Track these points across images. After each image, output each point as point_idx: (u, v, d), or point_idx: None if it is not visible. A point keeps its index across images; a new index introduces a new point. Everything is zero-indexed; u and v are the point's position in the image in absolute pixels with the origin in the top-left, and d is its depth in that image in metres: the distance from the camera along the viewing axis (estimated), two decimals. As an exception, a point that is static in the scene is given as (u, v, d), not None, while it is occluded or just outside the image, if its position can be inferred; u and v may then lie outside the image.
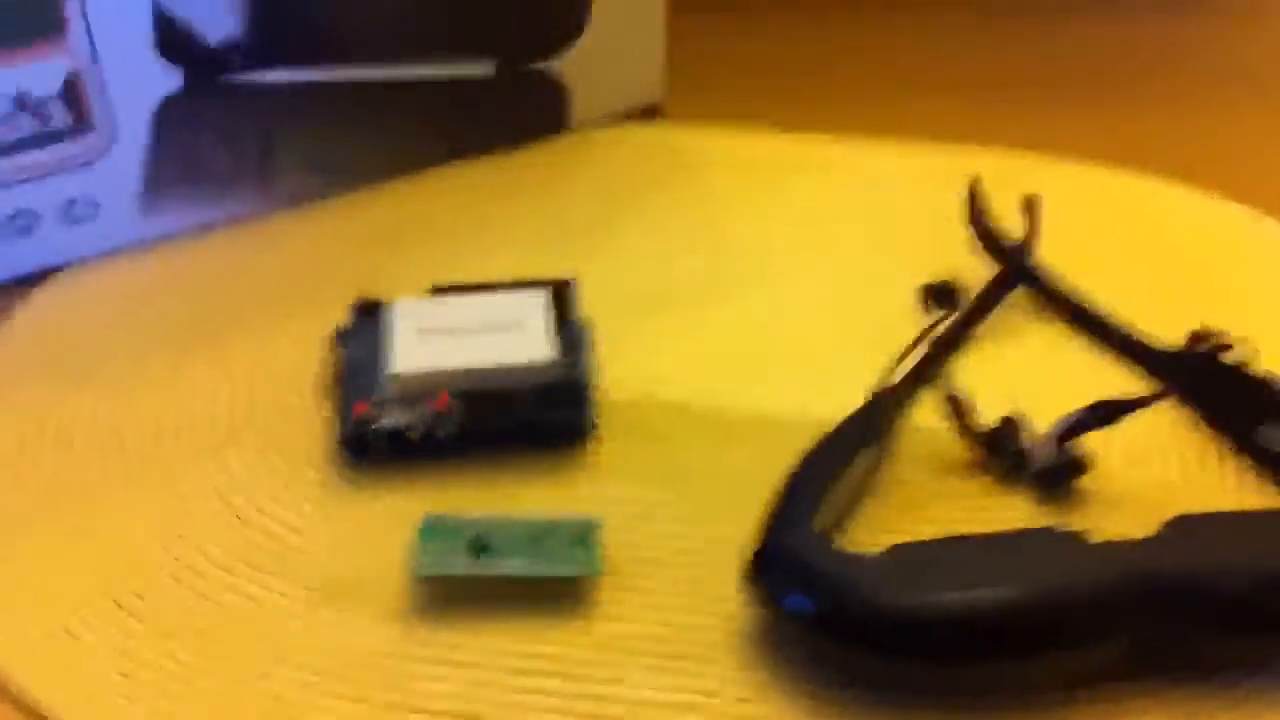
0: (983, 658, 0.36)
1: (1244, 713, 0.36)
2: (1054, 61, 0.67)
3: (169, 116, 0.53)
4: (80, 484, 0.44)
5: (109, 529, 0.43)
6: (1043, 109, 0.63)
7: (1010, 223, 0.51)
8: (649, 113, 0.62)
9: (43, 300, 0.53)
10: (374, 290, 0.49)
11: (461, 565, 0.39)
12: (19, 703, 0.38)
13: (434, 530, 0.40)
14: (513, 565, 0.39)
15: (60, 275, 0.54)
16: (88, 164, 0.52)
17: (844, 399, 0.45)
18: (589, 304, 0.49)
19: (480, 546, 0.39)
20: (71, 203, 0.53)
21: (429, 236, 0.55)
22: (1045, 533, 0.37)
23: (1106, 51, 0.68)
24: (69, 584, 0.41)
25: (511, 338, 0.45)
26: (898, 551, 0.37)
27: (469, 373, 0.44)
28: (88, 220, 0.53)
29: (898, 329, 0.49)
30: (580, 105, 0.61)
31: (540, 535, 0.40)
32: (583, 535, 0.40)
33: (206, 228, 0.56)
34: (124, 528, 0.43)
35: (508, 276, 0.52)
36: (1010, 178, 0.57)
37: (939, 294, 0.45)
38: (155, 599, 0.40)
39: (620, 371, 0.48)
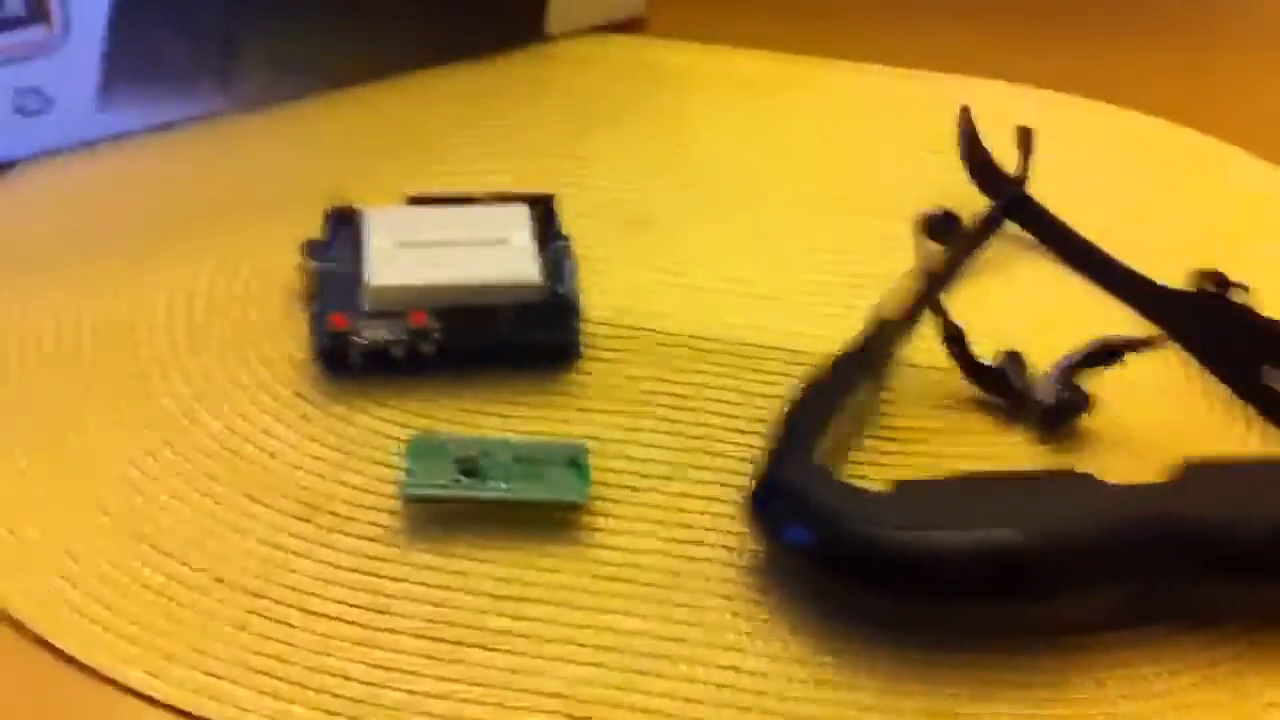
0: (987, 598, 0.35)
1: (1248, 661, 0.36)
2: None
3: (128, 8, 0.50)
4: (39, 395, 0.42)
5: (69, 440, 0.41)
6: (1037, 40, 0.62)
7: (1000, 154, 0.50)
8: (629, 26, 0.60)
9: (-9, 196, 0.50)
10: (343, 198, 0.46)
11: (450, 487, 0.38)
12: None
13: (422, 450, 0.39)
14: (502, 489, 0.38)
15: (11, 172, 0.51)
16: (41, 55, 0.49)
17: (828, 327, 0.44)
18: (564, 220, 0.47)
19: (469, 468, 0.38)
20: (23, 94, 0.50)
21: (401, 144, 0.53)
22: (1057, 474, 0.37)
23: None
24: (29, 495, 0.39)
25: (495, 253, 0.44)
26: (904, 487, 0.36)
27: (453, 288, 0.42)
28: (40, 114, 0.51)
29: (883, 258, 0.48)
30: (558, 14, 0.58)
31: (530, 458, 0.38)
32: (573, 459, 0.39)
33: (166, 127, 0.53)
34: (85, 440, 0.41)
35: (482, 189, 0.50)
36: (1001, 109, 0.56)
37: (938, 224, 0.44)
38: (120, 514, 0.38)
39: (598, 292, 0.46)
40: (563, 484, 0.38)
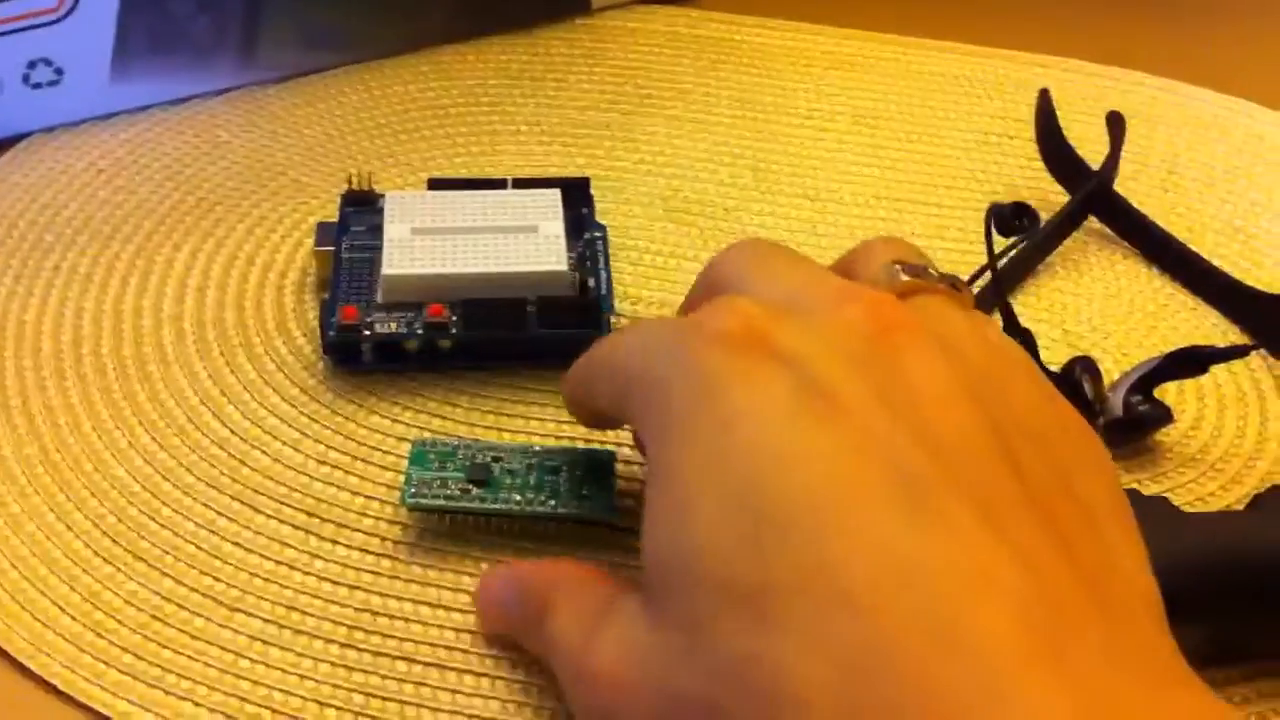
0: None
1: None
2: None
3: (144, -27, 0.47)
4: (32, 388, 0.39)
5: (60, 443, 0.38)
6: (1119, 19, 0.57)
7: (1080, 142, 0.46)
8: (678, -1, 0.57)
9: (2, 172, 0.47)
10: (366, 178, 0.43)
11: (456, 498, 0.34)
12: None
13: (426, 456, 0.35)
14: (515, 501, 0.34)
15: (21, 145, 0.48)
16: (51, 24, 0.47)
17: None
18: (601, 206, 0.44)
19: (479, 477, 0.35)
20: (33, 65, 0.47)
21: (430, 122, 0.50)
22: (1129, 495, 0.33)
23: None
24: (18, 506, 0.36)
25: (522, 242, 0.40)
26: None
27: (474, 279, 0.39)
28: (51, 86, 0.48)
29: (948, 254, 0.45)
30: (603, -15, 0.55)
31: (548, 468, 0.35)
32: (596, 470, 0.35)
33: (183, 100, 0.50)
34: (84, 438, 0.38)
35: (514, 171, 0.47)
36: (1081, 92, 0.52)
37: (1010, 217, 0.40)
38: (110, 525, 0.36)
39: (634, 286, 0.43)
40: (584, 499, 0.35)
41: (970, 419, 0.25)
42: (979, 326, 0.29)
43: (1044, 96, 0.46)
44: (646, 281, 0.43)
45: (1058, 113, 0.46)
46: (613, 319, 0.40)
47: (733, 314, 0.27)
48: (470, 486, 0.34)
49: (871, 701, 0.22)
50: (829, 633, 0.23)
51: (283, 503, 0.36)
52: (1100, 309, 0.43)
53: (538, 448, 0.36)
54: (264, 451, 0.38)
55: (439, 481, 0.35)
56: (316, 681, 0.32)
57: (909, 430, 0.25)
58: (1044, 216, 0.42)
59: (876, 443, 0.25)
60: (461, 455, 0.35)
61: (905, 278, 0.29)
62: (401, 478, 0.36)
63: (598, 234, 0.42)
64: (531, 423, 0.38)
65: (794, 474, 0.24)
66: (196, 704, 0.32)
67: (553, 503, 0.34)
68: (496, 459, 0.35)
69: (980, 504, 0.24)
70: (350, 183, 0.43)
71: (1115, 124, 0.45)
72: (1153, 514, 0.32)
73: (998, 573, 0.23)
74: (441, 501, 0.34)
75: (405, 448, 0.37)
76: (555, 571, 0.31)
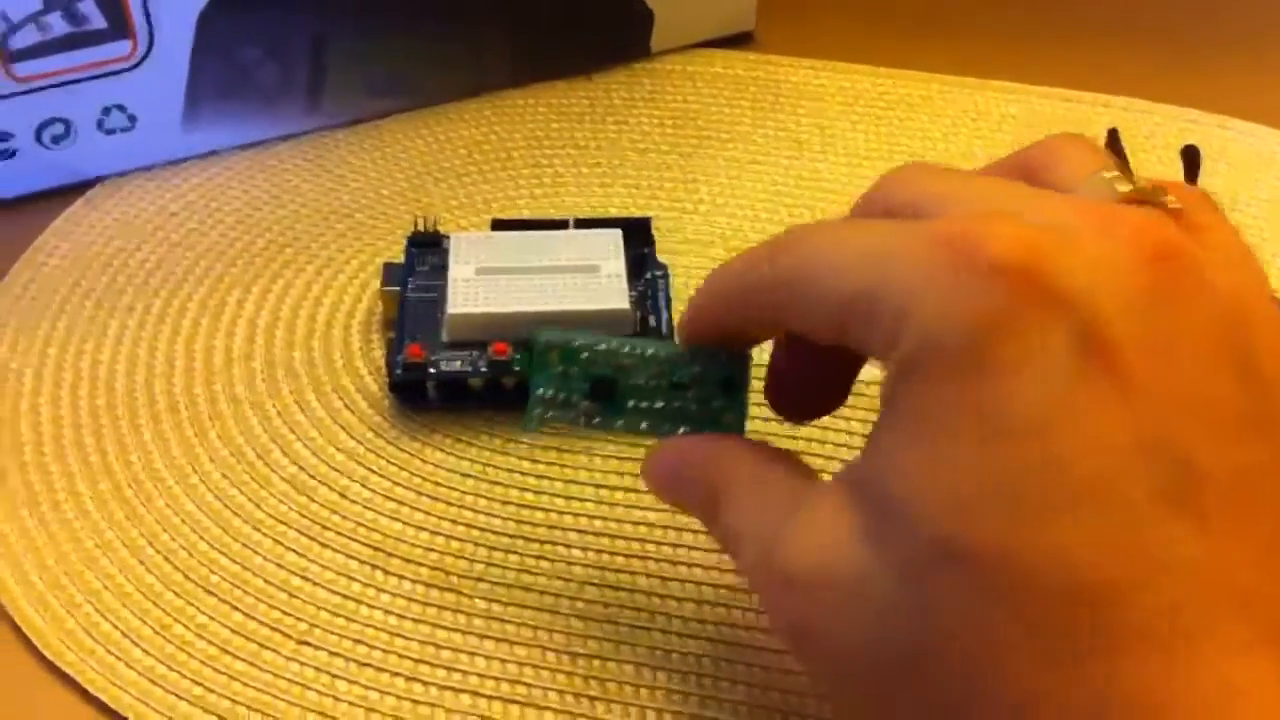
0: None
1: None
2: (1195, 11, 0.61)
3: (214, 22, 0.48)
4: (106, 426, 0.40)
5: (133, 479, 0.39)
6: (1179, 62, 0.57)
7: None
8: (739, 41, 0.57)
9: (75, 216, 0.48)
10: (432, 220, 0.44)
11: (579, 422, 0.32)
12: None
13: (548, 367, 0.32)
14: (641, 429, 0.32)
15: (95, 190, 0.49)
16: (124, 71, 0.48)
17: None
18: (663, 245, 0.44)
19: (603, 393, 0.32)
20: (107, 112, 0.48)
21: (493, 165, 0.50)
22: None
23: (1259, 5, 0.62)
24: (92, 540, 0.37)
25: (584, 281, 0.41)
26: None
27: (537, 317, 0.40)
28: (124, 132, 0.49)
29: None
30: (664, 30, 0.55)
31: (677, 384, 0.32)
32: (728, 382, 0.32)
33: (252, 145, 0.51)
34: (155, 474, 0.39)
35: (576, 212, 0.47)
36: (1140, 130, 0.52)
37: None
38: (182, 560, 0.36)
39: (698, 324, 0.43)
40: (715, 413, 0.31)
41: (1232, 389, 0.24)
42: (1232, 253, 0.26)
43: (1113, 136, 0.46)
44: (707, 320, 0.43)
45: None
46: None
47: (1006, 239, 0.24)
48: (594, 410, 0.32)
49: (1091, 701, 0.22)
50: (1057, 623, 0.22)
51: (350, 538, 0.37)
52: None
53: (663, 354, 0.32)
54: (331, 487, 0.38)
55: (564, 396, 0.32)
56: (382, 714, 0.33)
57: (1183, 404, 0.23)
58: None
59: (1151, 417, 0.23)
60: (585, 358, 0.32)
61: (1122, 189, 0.26)
62: (463, 512, 0.36)
63: (659, 273, 0.43)
64: (595, 459, 0.39)
65: (1060, 444, 0.23)
66: (265, 735, 0.32)
67: (683, 428, 0.32)
68: (620, 369, 0.32)
69: (1236, 500, 0.23)
70: (416, 224, 0.44)
71: (1190, 157, 0.45)
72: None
73: (1238, 577, 0.23)
74: (565, 423, 0.32)
75: (469, 483, 0.38)
76: (726, 457, 0.29)
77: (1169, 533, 0.23)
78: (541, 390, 0.32)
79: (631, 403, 0.32)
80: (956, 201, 0.26)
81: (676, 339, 0.32)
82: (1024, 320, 0.23)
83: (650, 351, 0.32)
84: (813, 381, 0.31)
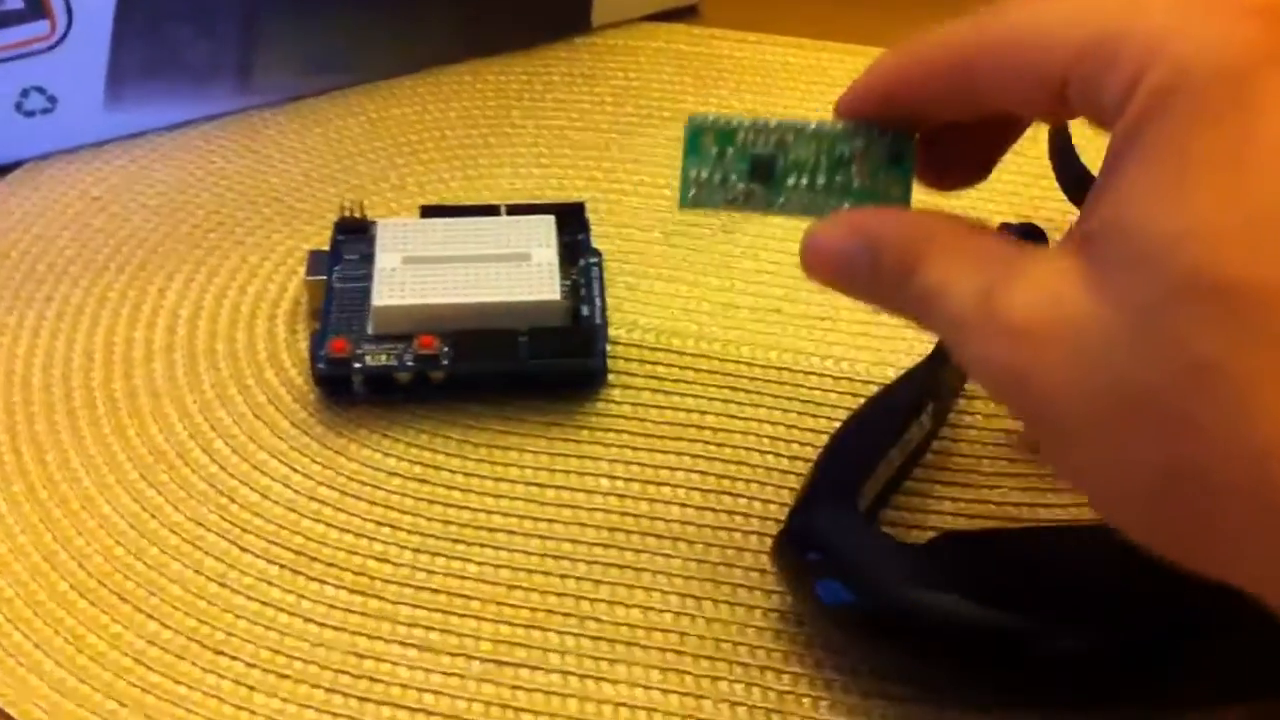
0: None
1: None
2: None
3: (136, 1, 0.47)
4: (21, 424, 0.39)
5: (48, 480, 0.37)
6: None
7: (1095, 163, 0.45)
8: (682, 15, 0.56)
9: (-8, 202, 0.47)
10: (359, 206, 0.43)
11: (737, 201, 0.30)
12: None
13: (702, 142, 0.30)
14: (801, 204, 0.30)
15: (14, 174, 0.48)
16: (43, 52, 0.46)
17: (885, 353, 0.40)
18: (600, 230, 0.43)
19: (763, 174, 0.30)
20: (26, 93, 0.47)
21: (426, 145, 0.49)
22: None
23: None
24: (4, 545, 0.36)
25: (514, 270, 0.40)
26: (940, 542, 0.33)
27: (465, 309, 0.39)
28: (44, 114, 0.47)
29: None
30: (606, 3, 0.54)
31: (838, 157, 0.30)
32: (894, 157, 0.30)
33: (179, 126, 0.50)
34: (71, 475, 0.37)
35: (512, 194, 0.46)
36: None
37: (1019, 238, 0.39)
38: (97, 566, 0.35)
39: (630, 312, 0.42)
40: (877, 187, 0.30)
41: None
42: None
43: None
44: (644, 307, 0.42)
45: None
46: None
47: None
48: (753, 187, 0.30)
49: None
50: None
51: (271, 541, 0.36)
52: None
53: (825, 129, 0.30)
54: (252, 487, 0.37)
55: (719, 177, 0.31)
56: (300, 728, 0.32)
57: None
58: (1053, 238, 0.41)
59: None
60: (742, 139, 0.30)
61: None
62: (389, 513, 0.35)
63: (593, 260, 0.42)
64: (525, 455, 0.38)
65: None
66: (178, 752, 0.31)
67: (846, 204, 0.30)
68: (781, 145, 0.30)
69: None
70: (343, 211, 0.43)
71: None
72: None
73: None
74: (716, 205, 0.31)
75: (395, 482, 0.37)
76: (925, 220, 0.28)
77: None
78: (695, 172, 0.30)
79: (791, 180, 0.30)
80: None
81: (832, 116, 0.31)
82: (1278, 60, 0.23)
83: (813, 127, 0.30)
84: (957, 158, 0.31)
